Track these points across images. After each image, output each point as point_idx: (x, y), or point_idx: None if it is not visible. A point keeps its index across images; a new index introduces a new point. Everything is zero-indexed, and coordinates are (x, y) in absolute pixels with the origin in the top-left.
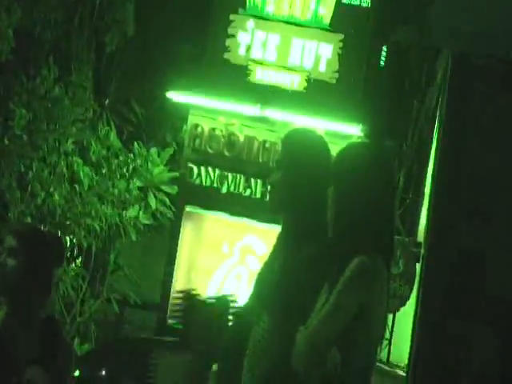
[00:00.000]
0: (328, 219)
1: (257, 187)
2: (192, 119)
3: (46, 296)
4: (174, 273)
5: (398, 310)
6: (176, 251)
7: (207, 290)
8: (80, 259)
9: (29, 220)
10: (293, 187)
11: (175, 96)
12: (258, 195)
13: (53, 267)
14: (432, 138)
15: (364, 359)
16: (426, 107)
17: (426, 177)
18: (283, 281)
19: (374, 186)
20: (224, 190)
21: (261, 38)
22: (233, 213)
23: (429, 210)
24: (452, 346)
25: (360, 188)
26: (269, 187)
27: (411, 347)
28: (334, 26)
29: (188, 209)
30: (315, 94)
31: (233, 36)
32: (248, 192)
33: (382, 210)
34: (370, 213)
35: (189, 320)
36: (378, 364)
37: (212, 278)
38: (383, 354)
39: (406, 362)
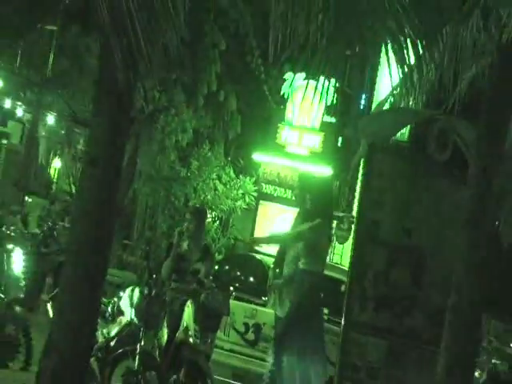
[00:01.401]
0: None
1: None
2: (263, 165)
3: None
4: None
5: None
6: (255, 220)
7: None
8: (217, 223)
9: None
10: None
11: (257, 156)
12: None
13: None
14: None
15: (320, 265)
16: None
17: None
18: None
19: (325, 194)
20: (276, 194)
21: (290, 134)
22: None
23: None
24: None
25: (320, 194)
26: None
27: None
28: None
29: (261, 201)
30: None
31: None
32: (287, 195)
33: (329, 202)
34: (323, 204)
35: None
36: None
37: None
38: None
39: None
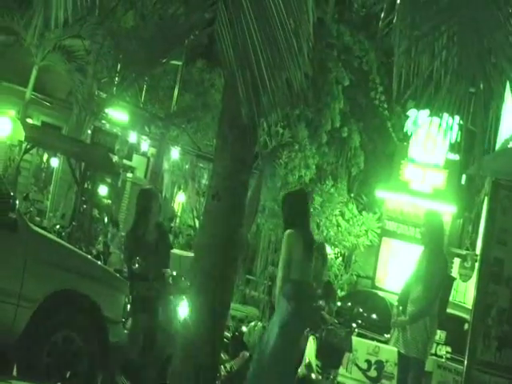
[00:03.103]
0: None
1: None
2: (386, 202)
3: None
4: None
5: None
6: (378, 257)
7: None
8: (340, 259)
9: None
10: None
11: (380, 193)
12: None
13: None
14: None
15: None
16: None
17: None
18: None
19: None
20: (399, 231)
21: (413, 171)
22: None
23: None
24: None
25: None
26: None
27: None
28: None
29: (384, 238)
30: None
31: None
32: (410, 232)
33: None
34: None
35: None
36: None
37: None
38: None
39: None
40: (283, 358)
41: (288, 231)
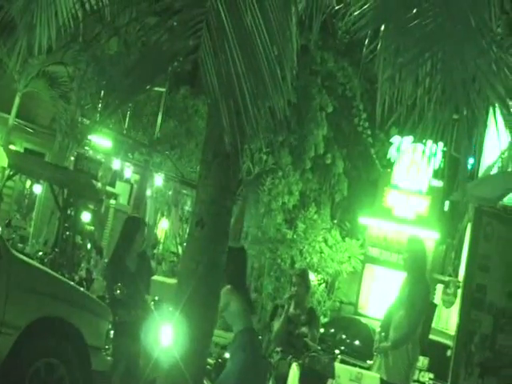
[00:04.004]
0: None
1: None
2: (369, 229)
3: None
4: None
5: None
6: (361, 283)
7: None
8: (323, 285)
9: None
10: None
11: (363, 219)
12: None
13: None
14: None
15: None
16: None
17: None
18: None
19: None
20: (382, 257)
21: (397, 198)
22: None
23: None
24: None
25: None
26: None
27: None
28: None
29: (367, 264)
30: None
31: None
32: (393, 258)
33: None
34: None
35: None
36: None
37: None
38: None
39: None
40: None
41: (227, 287)
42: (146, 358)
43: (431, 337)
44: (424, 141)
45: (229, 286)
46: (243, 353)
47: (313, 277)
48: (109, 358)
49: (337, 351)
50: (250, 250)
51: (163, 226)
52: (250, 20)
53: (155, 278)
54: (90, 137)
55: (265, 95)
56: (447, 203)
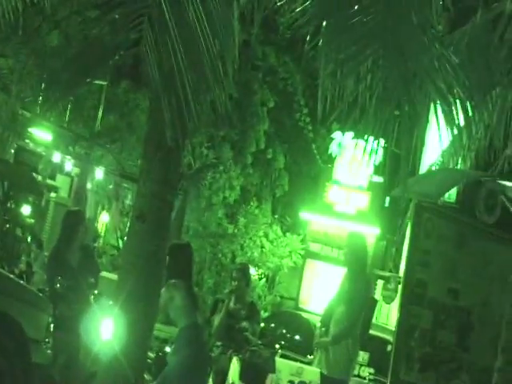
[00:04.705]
0: None
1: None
2: (310, 224)
3: None
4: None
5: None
6: (302, 277)
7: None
8: (264, 280)
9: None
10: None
11: (304, 214)
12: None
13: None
14: None
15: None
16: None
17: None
18: None
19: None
20: (323, 253)
21: (338, 193)
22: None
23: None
24: None
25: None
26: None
27: None
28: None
29: (308, 259)
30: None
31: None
32: (334, 254)
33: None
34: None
35: None
36: None
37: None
38: None
39: None
40: None
41: (170, 282)
42: (87, 351)
43: (372, 332)
44: (365, 137)
45: (173, 281)
46: (188, 349)
47: (253, 271)
48: (49, 351)
49: (277, 346)
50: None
51: (104, 220)
52: (192, 14)
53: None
54: (30, 129)
55: (206, 89)
56: (388, 199)
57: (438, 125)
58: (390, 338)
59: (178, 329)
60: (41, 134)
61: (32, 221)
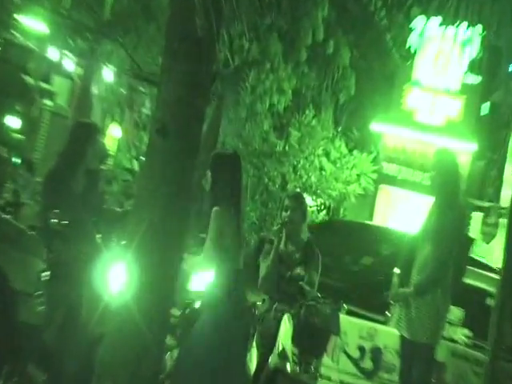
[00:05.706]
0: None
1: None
2: (384, 138)
3: None
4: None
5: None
6: (374, 208)
7: None
8: (324, 212)
9: (298, 190)
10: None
11: (376, 126)
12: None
13: None
14: None
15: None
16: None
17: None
18: None
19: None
20: (400, 176)
21: (420, 99)
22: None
23: None
24: None
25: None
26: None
27: None
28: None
29: (381, 185)
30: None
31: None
32: (415, 178)
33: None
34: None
35: None
36: None
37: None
38: None
39: None
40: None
41: (215, 209)
42: (91, 307)
43: (466, 280)
44: (456, 23)
45: (217, 208)
46: (224, 305)
47: (310, 201)
48: (41, 307)
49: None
50: None
51: (114, 135)
52: None
53: None
54: (18, 18)
55: None
56: (486, 105)
57: None
58: (490, 288)
59: (215, 273)
60: (32, 24)
61: (20, 137)
